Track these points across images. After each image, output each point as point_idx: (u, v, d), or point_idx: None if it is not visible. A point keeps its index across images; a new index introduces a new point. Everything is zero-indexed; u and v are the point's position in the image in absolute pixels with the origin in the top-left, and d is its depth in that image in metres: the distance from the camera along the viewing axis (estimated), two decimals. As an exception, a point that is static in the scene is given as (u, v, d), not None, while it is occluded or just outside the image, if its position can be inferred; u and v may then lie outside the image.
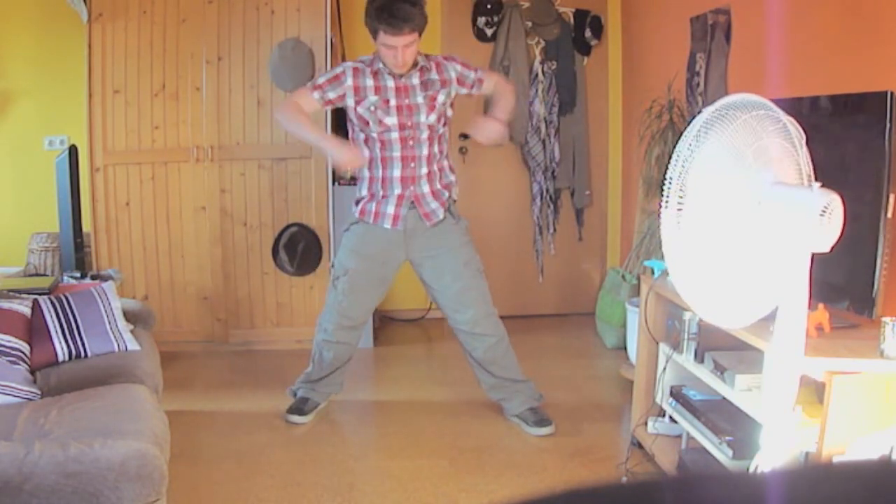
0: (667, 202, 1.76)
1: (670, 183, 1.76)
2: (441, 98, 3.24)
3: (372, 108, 3.19)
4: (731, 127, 1.73)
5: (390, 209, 3.24)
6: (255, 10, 4.33)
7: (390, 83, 3.19)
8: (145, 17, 4.29)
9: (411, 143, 3.22)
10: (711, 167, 1.73)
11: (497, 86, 3.39)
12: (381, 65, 3.18)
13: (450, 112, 3.32)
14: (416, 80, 3.21)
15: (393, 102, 3.19)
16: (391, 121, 3.19)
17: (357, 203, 3.33)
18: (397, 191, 3.24)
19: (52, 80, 4.67)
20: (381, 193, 3.25)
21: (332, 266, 3.45)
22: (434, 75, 3.23)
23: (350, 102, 3.20)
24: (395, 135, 3.20)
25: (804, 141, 1.80)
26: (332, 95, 3.19)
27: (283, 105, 3.36)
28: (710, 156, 1.73)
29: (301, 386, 3.55)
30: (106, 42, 4.28)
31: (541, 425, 3.34)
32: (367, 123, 3.20)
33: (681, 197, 1.77)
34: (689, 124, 1.77)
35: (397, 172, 3.23)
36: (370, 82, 3.18)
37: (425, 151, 3.24)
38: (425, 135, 3.23)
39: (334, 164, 3.19)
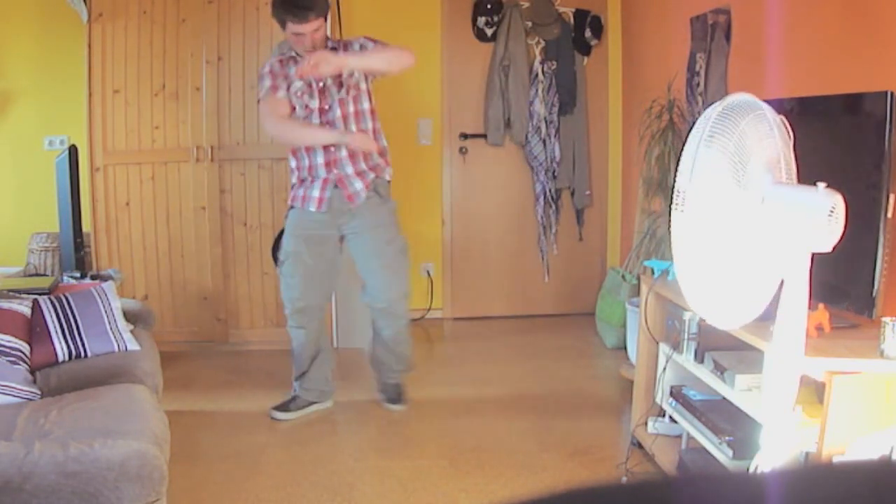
0: (676, 203, 1.76)
1: (680, 184, 1.76)
2: (345, 73, 3.31)
3: (298, 94, 3.31)
4: (736, 127, 1.73)
5: (316, 192, 3.37)
6: (255, 10, 4.33)
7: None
8: (145, 17, 4.29)
9: (328, 126, 3.33)
10: (717, 167, 1.73)
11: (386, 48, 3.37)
12: (298, 53, 3.32)
13: (363, 86, 3.37)
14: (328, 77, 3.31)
15: (314, 84, 3.32)
16: (314, 104, 3.32)
17: (291, 190, 3.47)
18: (322, 174, 3.36)
19: (52, 80, 4.67)
20: (309, 179, 3.38)
21: (280, 257, 3.52)
22: (340, 54, 3.31)
23: (284, 86, 3.32)
24: (315, 119, 3.33)
25: (792, 142, 1.80)
26: (285, 85, 3.32)
27: (269, 121, 3.42)
28: (716, 156, 1.73)
29: (294, 385, 3.61)
30: (106, 42, 4.27)
31: (395, 402, 3.60)
32: (295, 109, 3.33)
33: (687, 199, 1.77)
34: (692, 125, 1.77)
35: (320, 158, 3.34)
36: (293, 70, 3.30)
37: (341, 127, 3.33)
38: (338, 113, 3.32)
39: (355, 149, 3.29)
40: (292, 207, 3.45)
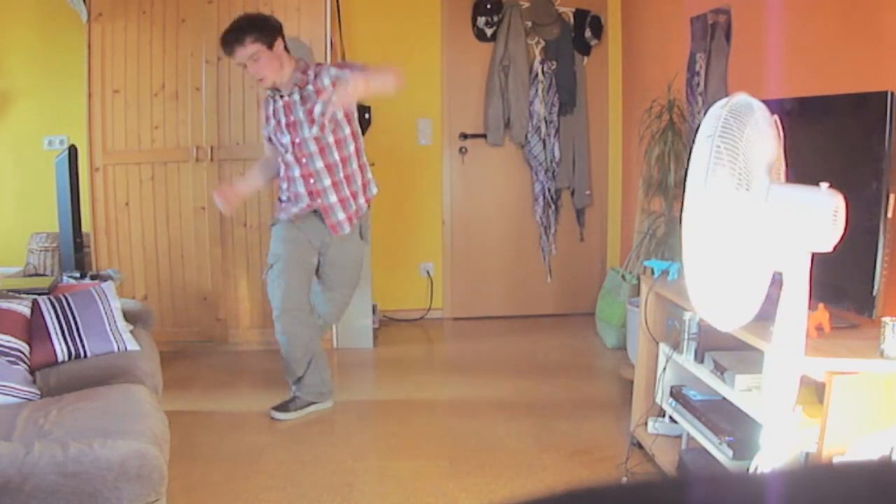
0: (688, 205, 1.75)
1: (691, 186, 1.76)
2: (319, 108, 3.29)
3: (274, 132, 3.40)
4: (744, 127, 1.72)
5: (294, 209, 3.44)
6: (254, 9, 4.32)
7: (279, 104, 3.35)
8: (145, 17, 4.29)
9: (304, 160, 3.36)
10: (726, 168, 1.73)
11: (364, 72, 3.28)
12: (273, 89, 3.34)
13: (339, 115, 3.33)
14: (296, 97, 3.32)
15: (283, 121, 3.35)
16: (286, 140, 3.36)
17: (278, 205, 3.56)
18: (305, 202, 3.41)
19: (51, 80, 4.67)
20: (292, 198, 3.45)
21: (268, 261, 3.55)
22: (310, 87, 3.30)
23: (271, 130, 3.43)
24: (289, 155, 3.37)
25: (782, 142, 1.79)
26: (267, 133, 3.44)
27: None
28: (724, 157, 1.73)
29: (292, 387, 3.61)
30: (106, 42, 4.27)
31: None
32: (273, 144, 3.45)
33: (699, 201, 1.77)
34: (697, 126, 1.77)
35: (302, 188, 3.40)
36: (270, 108, 3.40)
37: (320, 164, 3.35)
38: (314, 147, 3.33)
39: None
40: (277, 221, 3.53)
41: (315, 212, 3.43)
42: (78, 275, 3.48)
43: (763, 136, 1.75)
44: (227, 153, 4.39)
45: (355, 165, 3.43)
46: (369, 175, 3.53)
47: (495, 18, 4.97)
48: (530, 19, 4.98)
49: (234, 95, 4.36)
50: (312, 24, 4.34)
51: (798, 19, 2.99)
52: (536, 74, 5.00)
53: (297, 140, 3.33)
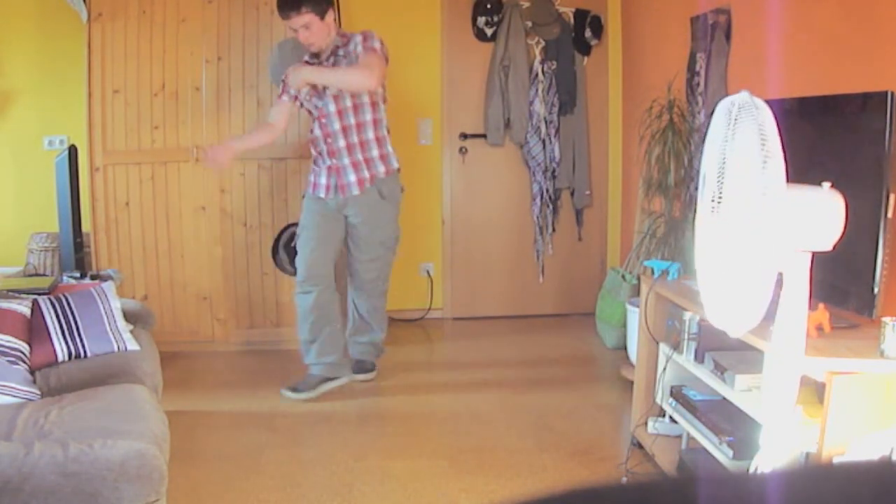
0: (711, 207, 1.76)
1: (709, 188, 1.76)
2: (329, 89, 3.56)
3: (307, 98, 3.62)
4: (753, 127, 1.72)
5: (322, 180, 3.67)
6: (255, 10, 4.33)
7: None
8: (145, 17, 4.29)
9: (324, 120, 3.61)
10: (737, 168, 1.73)
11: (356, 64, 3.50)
12: (313, 55, 3.57)
13: (365, 98, 3.58)
14: (330, 61, 3.56)
15: (318, 88, 3.58)
16: (320, 103, 3.60)
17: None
18: (326, 163, 3.65)
19: (52, 80, 4.67)
20: (317, 165, 3.69)
21: (297, 231, 3.78)
22: (341, 52, 3.56)
23: (293, 92, 3.62)
24: (315, 114, 3.63)
25: (778, 142, 1.80)
26: (293, 92, 3.61)
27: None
28: (736, 157, 1.73)
29: (308, 362, 3.74)
30: (106, 42, 4.27)
31: (366, 370, 3.92)
32: (311, 112, 3.67)
33: (716, 200, 1.77)
34: (696, 124, 1.77)
35: (323, 147, 3.64)
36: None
37: (337, 126, 3.58)
38: (333, 108, 3.57)
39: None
40: (306, 194, 3.74)
41: (334, 174, 3.63)
42: (78, 275, 3.48)
43: (765, 136, 1.75)
44: (227, 153, 4.38)
45: (371, 135, 3.61)
46: (389, 148, 3.69)
47: (495, 18, 4.97)
48: (530, 19, 4.98)
49: (234, 95, 4.36)
50: (312, 24, 4.34)
51: (798, 19, 2.99)
52: (536, 74, 5.00)
53: (321, 103, 3.58)
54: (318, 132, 3.64)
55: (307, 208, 3.72)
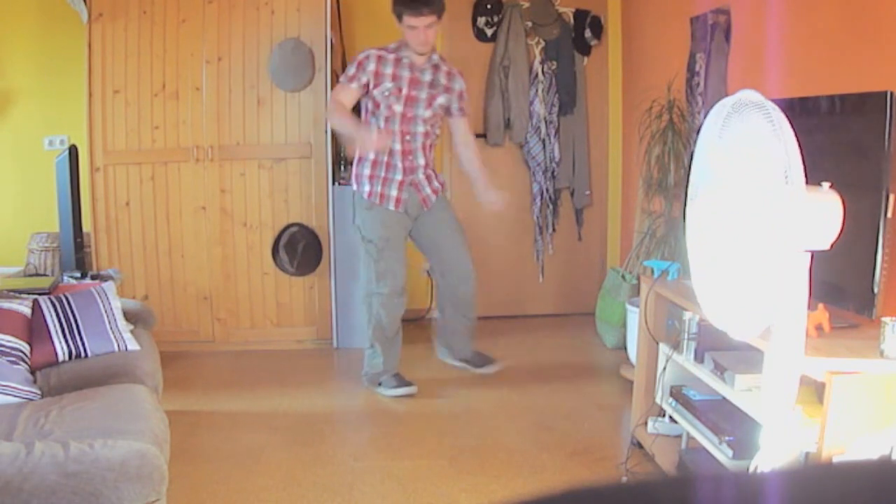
0: (690, 201, 1.76)
1: (693, 182, 1.76)
2: (440, 100, 3.68)
3: (386, 93, 3.60)
4: (742, 124, 1.73)
5: (393, 192, 3.68)
6: (255, 10, 4.33)
7: (406, 73, 3.60)
8: (145, 17, 4.29)
9: (408, 136, 3.65)
10: (724, 164, 1.73)
11: (468, 135, 3.84)
12: (404, 53, 3.60)
13: (440, 117, 3.75)
14: (427, 77, 3.64)
15: (404, 91, 3.61)
16: (398, 108, 3.61)
17: (358, 179, 3.73)
18: (398, 177, 3.67)
19: (52, 80, 4.67)
20: (383, 175, 3.67)
21: (370, 241, 3.74)
22: (443, 79, 3.67)
23: (371, 85, 3.60)
24: (396, 125, 3.62)
25: (791, 137, 1.79)
26: (364, 80, 3.61)
27: (330, 107, 3.76)
28: (722, 153, 1.73)
29: (379, 370, 3.83)
30: (106, 42, 4.28)
31: (489, 364, 3.96)
32: (378, 107, 3.61)
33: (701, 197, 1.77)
34: (696, 124, 1.77)
35: (398, 162, 3.66)
36: (390, 70, 3.59)
37: (419, 144, 3.68)
38: (421, 129, 3.66)
39: (361, 144, 3.61)
40: (372, 204, 3.70)
41: (410, 187, 3.70)
42: (78, 275, 3.48)
43: (765, 135, 1.75)
44: (227, 153, 4.39)
45: (431, 156, 3.79)
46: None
47: (495, 18, 4.97)
48: (530, 19, 4.98)
49: (234, 95, 4.36)
50: (312, 24, 4.34)
51: (798, 19, 2.99)
52: (536, 74, 5.00)
53: (410, 115, 3.64)
54: (396, 145, 3.65)
55: (381, 221, 3.70)
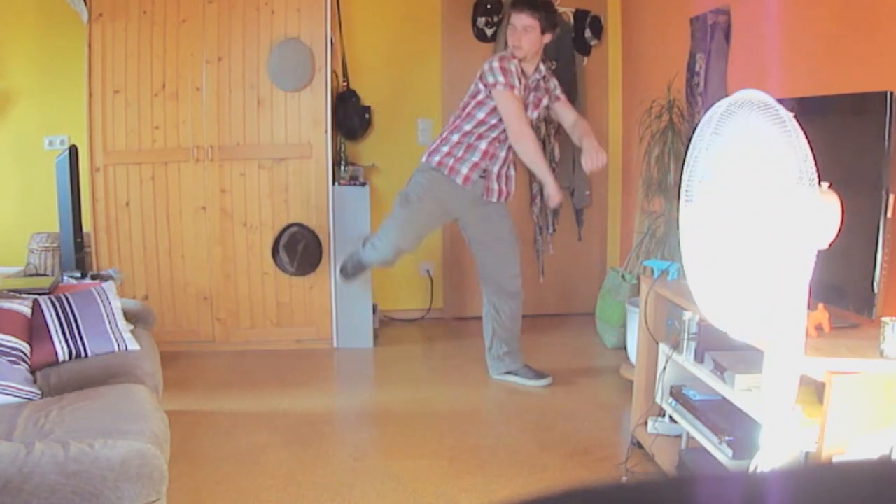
0: (685, 199, 1.75)
1: (686, 181, 1.76)
2: (545, 102, 3.83)
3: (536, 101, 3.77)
4: (742, 124, 1.73)
5: (465, 170, 3.74)
6: (255, 10, 4.33)
7: (522, 82, 3.72)
8: (145, 17, 4.29)
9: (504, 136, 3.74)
10: (723, 165, 1.73)
11: (573, 112, 3.92)
12: (515, 62, 3.68)
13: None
14: (533, 82, 3.77)
15: (532, 98, 3.78)
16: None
17: (432, 154, 3.80)
18: (475, 158, 3.74)
19: (52, 80, 4.67)
20: (460, 154, 3.74)
21: (406, 195, 3.80)
22: (542, 83, 3.81)
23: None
24: (503, 132, 3.73)
25: (804, 140, 1.79)
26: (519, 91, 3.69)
27: (524, 133, 3.70)
28: (721, 153, 1.73)
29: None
30: (106, 42, 4.28)
31: (541, 377, 3.90)
32: (494, 110, 3.68)
33: (691, 194, 1.77)
34: (697, 124, 1.77)
35: (483, 145, 3.74)
36: (517, 78, 3.70)
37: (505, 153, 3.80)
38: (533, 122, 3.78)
39: (551, 193, 3.78)
40: (436, 169, 3.76)
41: (481, 175, 3.77)
42: (78, 275, 3.48)
43: (765, 135, 1.75)
44: (227, 153, 4.39)
45: (512, 157, 3.85)
46: (514, 173, 3.96)
47: (495, 18, 4.96)
48: (530, 19, 4.97)
49: (234, 95, 4.36)
50: (312, 24, 4.35)
51: (798, 19, 2.99)
52: (536, 74, 5.00)
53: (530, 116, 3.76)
54: (501, 152, 3.77)
55: (429, 185, 3.76)
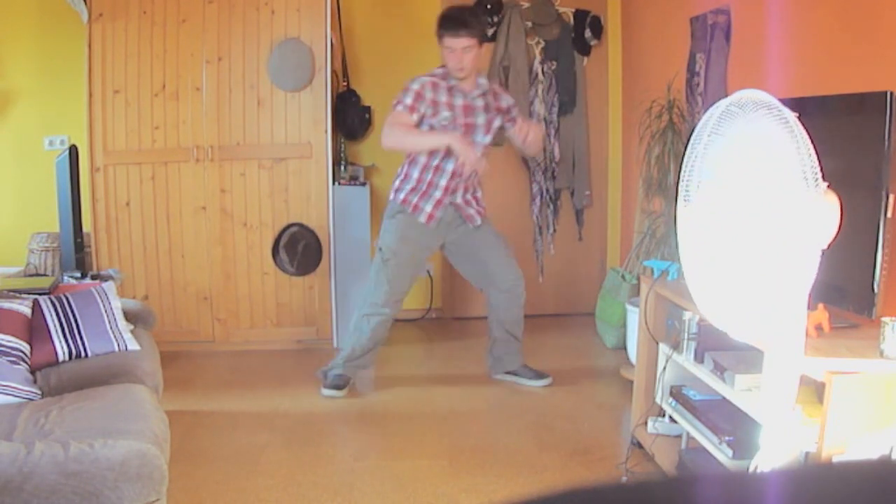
0: (683, 199, 1.75)
1: (685, 181, 1.76)
2: (496, 123, 3.69)
3: (444, 123, 3.56)
4: (742, 124, 1.72)
5: (428, 208, 3.65)
6: (255, 10, 4.33)
7: (459, 101, 3.58)
8: (145, 17, 4.29)
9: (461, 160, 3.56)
10: (722, 165, 1.73)
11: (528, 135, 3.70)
12: (454, 81, 3.57)
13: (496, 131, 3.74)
14: (480, 102, 3.62)
15: (460, 121, 3.59)
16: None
17: (397, 191, 3.69)
18: (437, 195, 3.65)
19: (52, 80, 4.67)
20: (423, 190, 3.64)
21: (380, 248, 3.73)
22: (492, 101, 3.67)
23: (428, 113, 3.54)
24: (450, 163, 3.57)
25: (808, 140, 1.79)
26: (423, 110, 3.54)
27: (390, 131, 3.54)
28: (720, 153, 1.73)
29: (337, 366, 3.79)
30: (106, 42, 4.28)
31: (540, 377, 3.88)
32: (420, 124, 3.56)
33: (690, 193, 1.77)
34: (696, 124, 1.77)
35: (443, 181, 3.62)
36: (444, 98, 3.56)
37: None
38: (478, 152, 3.59)
39: (462, 157, 3.47)
40: (401, 211, 3.67)
41: (450, 207, 3.68)
42: (78, 275, 3.48)
43: (765, 134, 1.75)
44: (227, 153, 4.39)
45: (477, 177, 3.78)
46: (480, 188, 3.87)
47: (495, 18, 4.97)
48: (530, 19, 4.98)
49: (234, 95, 4.36)
50: (312, 24, 4.34)
51: (798, 19, 2.99)
52: (536, 74, 5.00)
53: (475, 140, 3.62)
54: (447, 165, 3.60)
55: (403, 232, 3.67)
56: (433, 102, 3.53)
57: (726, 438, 2.43)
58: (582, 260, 5.26)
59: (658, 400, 2.94)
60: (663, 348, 2.90)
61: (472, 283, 4.00)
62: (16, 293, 3.02)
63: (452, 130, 3.53)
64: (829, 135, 2.35)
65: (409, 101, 3.51)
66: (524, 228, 5.19)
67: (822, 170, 1.80)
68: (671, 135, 3.78)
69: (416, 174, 3.64)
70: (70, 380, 2.64)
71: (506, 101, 3.73)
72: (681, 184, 1.82)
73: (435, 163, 3.60)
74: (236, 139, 4.39)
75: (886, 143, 2.09)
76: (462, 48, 3.48)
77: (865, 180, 2.15)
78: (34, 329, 2.77)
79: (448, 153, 3.54)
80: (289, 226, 4.44)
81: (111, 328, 2.88)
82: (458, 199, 3.69)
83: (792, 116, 1.72)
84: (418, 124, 3.53)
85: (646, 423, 3.06)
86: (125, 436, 2.08)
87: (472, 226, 3.73)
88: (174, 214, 4.42)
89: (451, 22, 3.51)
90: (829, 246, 1.76)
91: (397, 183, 3.70)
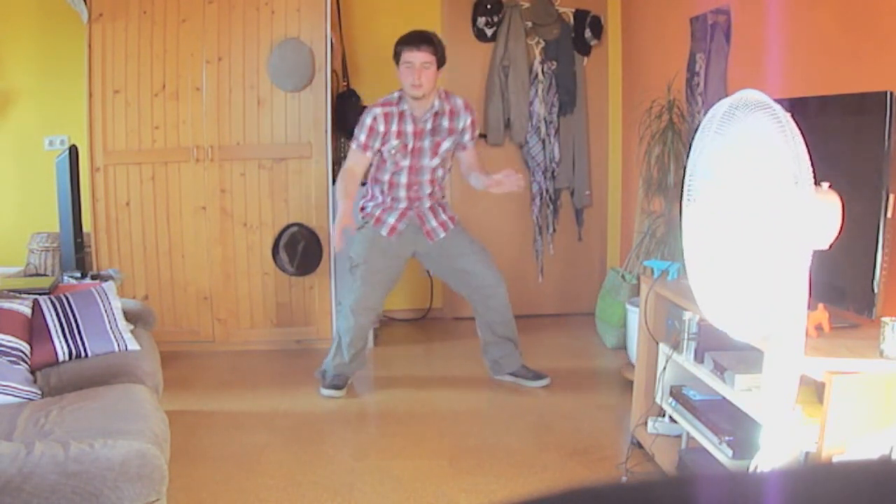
0: (687, 199, 1.75)
1: (689, 181, 1.76)
2: (446, 145, 3.64)
3: (392, 151, 3.59)
4: (741, 124, 1.73)
5: (391, 220, 3.69)
6: (255, 10, 4.33)
7: (409, 128, 3.57)
8: (145, 17, 4.29)
9: (415, 177, 3.65)
10: (722, 165, 1.73)
11: (474, 164, 3.71)
12: (405, 106, 3.55)
13: (450, 154, 3.71)
14: (429, 125, 3.60)
15: (409, 146, 3.59)
16: (405, 163, 3.62)
17: (363, 208, 3.75)
18: (402, 205, 3.69)
19: (52, 80, 4.67)
20: (387, 204, 3.70)
21: (350, 257, 3.76)
22: (445, 122, 3.61)
23: (377, 145, 3.59)
24: (403, 178, 3.65)
25: (801, 140, 1.79)
26: (377, 145, 3.58)
27: (340, 179, 3.68)
28: (720, 153, 1.73)
29: (330, 368, 3.80)
30: (106, 42, 4.27)
31: (539, 378, 3.87)
32: (385, 163, 3.63)
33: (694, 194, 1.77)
34: (698, 124, 1.77)
35: (402, 193, 3.67)
36: (395, 127, 3.57)
37: (427, 179, 3.67)
38: (427, 176, 3.67)
39: (334, 234, 3.64)
40: (366, 224, 3.71)
41: (414, 219, 3.70)
42: (78, 275, 3.48)
43: (765, 134, 1.75)
44: (227, 153, 4.39)
45: (443, 183, 3.81)
46: (445, 192, 3.92)
47: (495, 18, 4.97)
48: (530, 19, 4.98)
49: (234, 95, 4.36)
50: (312, 24, 4.34)
51: (798, 19, 2.99)
52: (536, 75, 5.00)
53: (417, 165, 3.63)
54: (402, 178, 3.63)
55: (369, 242, 3.69)
56: (385, 133, 3.55)
57: (726, 438, 2.43)
58: (582, 260, 5.26)
59: (658, 400, 2.94)
60: (663, 348, 2.90)
61: (453, 289, 4.02)
62: (16, 293, 3.02)
63: (402, 158, 3.58)
64: (829, 135, 2.35)
65: (362, 138, 3.57)
66: (524, 228, 5.19)
67: (821, 170, 1.80)
68: (671, 135, 3.79)
69: (377, 191, 3.72)
70: (70, 380, 2.64)
71: (463, 120, 3.64)
72: (685, 183, 1.83)
73: (386, 178, 3.66)
74: (236, 139, 4.39)
75: (886, 143, 2.09)
76: (421, 62, 3.46)
77: (865, 180, 2.15)
78: (34, 329, 2.77)
79: (399, 167, 3.61)
80: (289, 226, 4.43)
81: (111, 328, 2.88)
82: (425, 206, 3.70)
83: (786, 116, 1.72)
84: (375, 155, 3.61)
85: (646, 423, 3.06)
86: (125, 436, 2.08)
87: (433, 241, 3.71)
88: (174, 214, 4.42)
89: (412, 37, 3.51)
90: (831, 246, 1.76)
91: (362, 202, 3.77)
